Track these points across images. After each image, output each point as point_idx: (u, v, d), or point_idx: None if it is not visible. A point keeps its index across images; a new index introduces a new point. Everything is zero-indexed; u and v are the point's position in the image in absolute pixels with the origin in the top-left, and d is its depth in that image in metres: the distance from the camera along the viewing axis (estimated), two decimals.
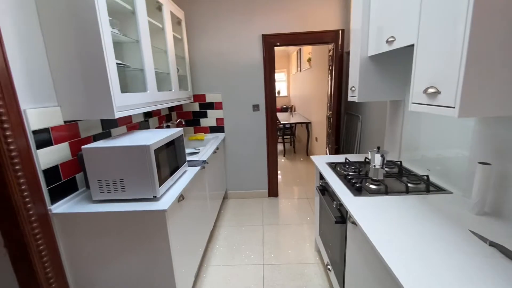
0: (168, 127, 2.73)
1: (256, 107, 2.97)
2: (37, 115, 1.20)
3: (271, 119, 3.00)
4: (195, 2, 2.74)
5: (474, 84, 0.82)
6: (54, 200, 1.28)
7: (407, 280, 0.74)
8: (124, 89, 1.79)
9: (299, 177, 3.98)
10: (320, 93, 4.21)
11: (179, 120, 2.85)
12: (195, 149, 2.45)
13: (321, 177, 1.80)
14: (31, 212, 1.14)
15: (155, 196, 1.34)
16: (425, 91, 1.01)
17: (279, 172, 4.23)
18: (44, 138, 1.24)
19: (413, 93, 1.11)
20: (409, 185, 1.37)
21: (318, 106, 4.43)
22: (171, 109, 2.96)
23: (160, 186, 1.35)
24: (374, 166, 1.44)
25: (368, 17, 1.60)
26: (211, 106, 3.01)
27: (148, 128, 2.37)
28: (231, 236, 2.47)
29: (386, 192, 1.32)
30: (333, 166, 1.78)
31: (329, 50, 2.88)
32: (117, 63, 1.43)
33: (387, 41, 1.37)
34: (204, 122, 3.08)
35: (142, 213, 1.27)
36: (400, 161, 1.69)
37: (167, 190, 1.46)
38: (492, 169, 1.06)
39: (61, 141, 1.34)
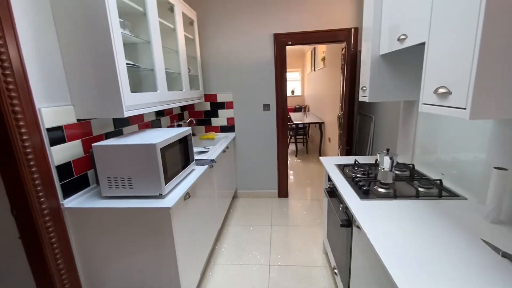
0: (179, 126, 2.78)
1: (266, 107, 2.96)
2: (51, 113, 1.25)
3: (281, 118, 2.98)
4: (207, 3, 2.77)
5: (486, 84, 0.77)
6: (66, 195, 1.34)
7: None
8: (135, 88, 1.84)
9: (311, 178, 3.93)
10: (333, 93, 4.13)
11: (190, 119, 2.90)
12: (205, 148, 2.48)
13: (330, 179, 1.77)
14: (44, 206, 1.20)
15: (161, 194, 1.36)
16: (435, 91, 0.96)
17: (290, 172, 4.19)
18: (58, 135, 1.30)
19: (423, 93, 1.06)
20: (420, 189, 1.32)
21: (331, 106, 4.35)
22: (183, 108, 3.01)
23: (166, 184, 1.38)
24: (383, 168, 1.39)
25: (380, 15, 1.55)
26: (222, 105, 3.03)
27: (160, 126, 2.42)
28: (239, 235, 2.47)
29: (395, 196, 1.27)
30: (342, 167, 1.74)
31: (342, 49, 2.81)
32: (127, 64, 1.48)
33: (398, 39, 1.32)
34: (215, 122, 3.11)
35: (147, 210, 1.30)
36: (413, 164, 1.63)
37: (173, 188, 1.49)
38: (508, 174, 0.99)
39: (73, 139, 1.40)
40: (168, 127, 2.57)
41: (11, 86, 1.06)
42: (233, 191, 3.15)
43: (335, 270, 1.68)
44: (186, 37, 2.38)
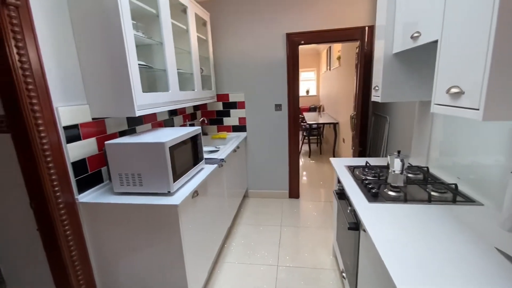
0: (192, 125, 2.83)
1: (278, 107, 2.95)
2: (67, 112, 1.32)
3: (293, 118, 2.95)
4: (221, 3, 2.79)
5: (500, 84, 0.73)
6: (81, 190, 1.40)
7: None
8: (149, 88, 1.90)
9: (323, 179, 3.87)
10: (348, 93, 4.04)
11: (202, 118, 2.94)
12: (216, 147, 2.51)
13: (339, 181, 1.73)
14: (60, 200, 1.26)
15: (169, 191, 1.40)
16: (448, 91, 0.92)
17: (303, 173, 4.15)
18: (74, 133, 1.36)
19: (435, 93, 1.02)
20: (433, 193, 1.26)
21: (346, 106, 4.26)
22: (196, 108, 3.07)
23: (174, 182, 1.41)
24: (394, 171, 1.35)
25: (394, 12, 1.50)
26: (234, 105, 3.05)
27: (173, 125, 2.48)
28: (248, 234, 2.48)
29: (405, 199, 1.22)
30: (352, 169, 1.70)
31: (356, 48, 2.75)
32: (140, 64, 1.52)
33: (412, 37, 1.27)
34: (227, 121, 3.14)
35: (156, 207, 1.34)
36: (427, 167, 1.56)
37: (182, 186, 1.52)
38: None
39: (88, 137, 1.46)
40: (180, 126, 2.63)
41: (30, 87, 1.12)
42: (244, 191, 3.16)
43: (343, 274, 1.65)
44: (199, 38, 2.42)
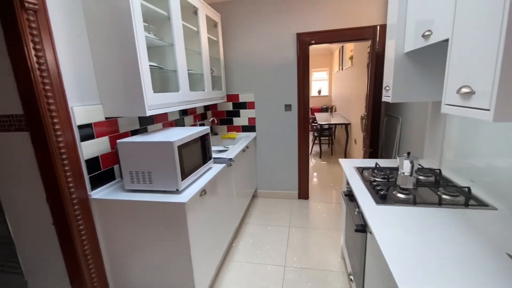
0: (202, 125, 2.87)
1: (288, 107, 2.94)
2: (82, 112, 1.38)
3: (303, 119, 2.94)
4: (231, 5, 2.82)
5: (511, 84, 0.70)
6: (94, 186, 1.46)
7: None
8: (161, 89, 1.94)
9: (333, 180, 3.82)
10: (360, 93, 3.97)
11: (212, 118, 2.98)
12: (225, 147, 2.53)
13: (348, 182, 1.71)
14: (73, 196, 1.32)
15: (177, 189, 1.43)
16: (458, 90, 0.89)
17: (314, 174, 4.12)
18: (88, 132, 1.42)
19: (446, 93, 0.99)
20: (444, 196, 1.22)
21: (358, 107, 4.19)
22: (207, 108, 3.11)
23: (182, 180, 1.44)
24: (403, 173, 1.32)
25: (405, 11, 1.46)
26: (244, 105, 3.07)
27: (184, 125, 2.52)
28: (256, 234, 2.49)
29: (414, 202, 1.20)
30: (361, 171, 1.67)
31: (368, 47, 2.70)
32: (151, 65, 1.56)
33: (423, 35, 1.24)
34: (236, 121, 3.16)
35: (164, 204, 1.37)
36: (439, 169, 1.52)
37: (190, 185, 1.55)
38: None
39: (102, 135, 1.51)
40: (191, 126, 2.67)
41: (47, 87, 1.18)
42: (253, 190, 3.18)
43: (351, 277, 1.62)
44: (209, 39, 2.45)
